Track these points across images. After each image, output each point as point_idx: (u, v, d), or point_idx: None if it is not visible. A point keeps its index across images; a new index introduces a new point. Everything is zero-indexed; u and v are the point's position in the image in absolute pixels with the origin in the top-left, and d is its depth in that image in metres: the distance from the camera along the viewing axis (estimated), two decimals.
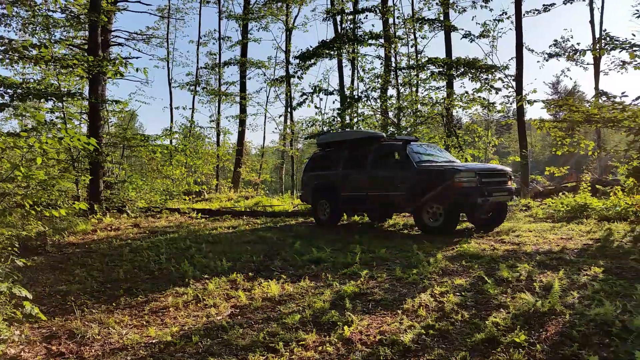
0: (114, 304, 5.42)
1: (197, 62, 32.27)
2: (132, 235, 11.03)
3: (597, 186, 12.75)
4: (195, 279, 6.34)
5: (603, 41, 12.84)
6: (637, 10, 14.27)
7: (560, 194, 12.69)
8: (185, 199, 20.08)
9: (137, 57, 31.61)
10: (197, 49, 31.89)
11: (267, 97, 54.70)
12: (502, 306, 4.43)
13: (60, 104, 15.29)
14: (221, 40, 31.14)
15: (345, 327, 4.05)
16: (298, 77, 19.81)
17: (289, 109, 30.03)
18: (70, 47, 18.47)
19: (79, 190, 15.52)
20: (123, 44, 24.40)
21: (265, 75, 31.17)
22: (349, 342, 3.83)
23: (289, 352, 3.72)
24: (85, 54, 13.63)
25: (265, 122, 60.91)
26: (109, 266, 7.55)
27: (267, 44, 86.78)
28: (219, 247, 8.87)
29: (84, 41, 19.54)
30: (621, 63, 13.67)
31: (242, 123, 28.40)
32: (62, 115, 15.98)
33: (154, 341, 4.13)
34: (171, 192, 19.28)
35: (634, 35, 11.14)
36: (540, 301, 4.30)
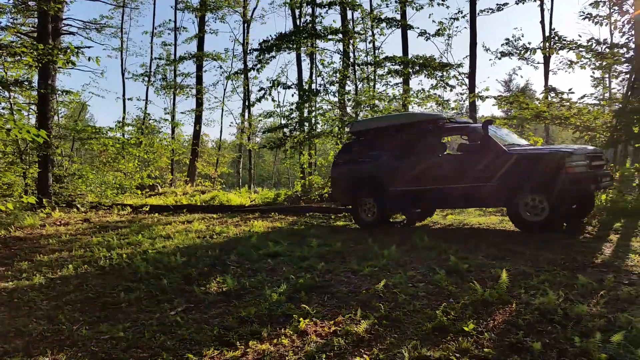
0: (63, 300, 5.27)
1: (151, 53, 31.81)
2: (82, 230, 10.72)
3: None
4: (148, 274, 6.23)
5: (552, 40, 13.32)
6: (583, 12, 14.91)
7: None
8: (138, 193, 19.66)
9: (89, 47, 31.04)
10: (152, 39, 31.33)
11: (225, 90, 54.09)
12: (452, 296, 4.56)
13: (6, 93, 14.68)
14: (177, 31, 30.64)
15: (301, 320, 4.08)
16: (257, 70, 19.53)
17: (246, 103, 29.81)
18: (18, 34, 17.69)
19: (27, 184, 14.97)
20: (75, 33, 23.51)
21: (222, 67, 30.88)
22: (304, 334, 3.86)
23: (244, 345, 3.72)
24: (35, 43, 13.07)
25: (222, 115, 60.18)
26: (58, 262, 7.32)
27: (224, 35, 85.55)
28: (173, 242, 8.73)
29: (33, 29, 18.76)
30: (569, 62, 14.25)
31: (198, 117, 27.99)
32: (10, 105, 15.35)
33: (105, 337, 4.05)
34: (123, 186, 18.83)
35: (580, 36, 11.66)
36: (488, 291, 4.46)
